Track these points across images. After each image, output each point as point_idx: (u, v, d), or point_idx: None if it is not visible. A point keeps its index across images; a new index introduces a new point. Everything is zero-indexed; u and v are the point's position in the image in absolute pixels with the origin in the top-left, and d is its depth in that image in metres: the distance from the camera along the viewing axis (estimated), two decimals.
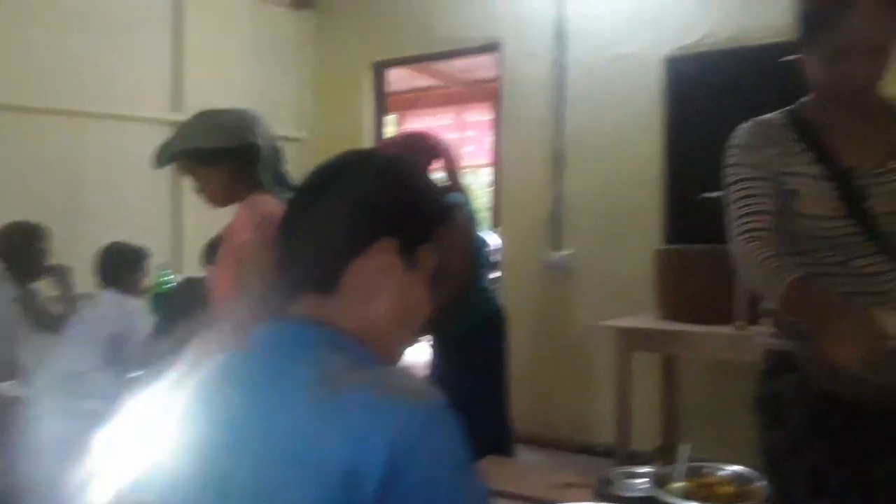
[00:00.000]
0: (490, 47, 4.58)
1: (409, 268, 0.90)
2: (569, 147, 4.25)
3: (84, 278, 3.24)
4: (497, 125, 4.73)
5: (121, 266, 3.14)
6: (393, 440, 0.71)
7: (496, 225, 4.90)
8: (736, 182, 1.53)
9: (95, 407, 2.77)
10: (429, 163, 2.61)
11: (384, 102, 5.21)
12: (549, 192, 4.30)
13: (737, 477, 1.36)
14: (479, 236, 2.81)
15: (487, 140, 7.61)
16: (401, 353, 0.95)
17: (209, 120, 1.97)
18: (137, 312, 3.06)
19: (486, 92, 6.57)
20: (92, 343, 2.93)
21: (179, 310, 2.37)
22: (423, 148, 2.62)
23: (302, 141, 5.07)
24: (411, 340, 0.96)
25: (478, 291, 2.67)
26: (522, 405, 3.70)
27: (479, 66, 6.24)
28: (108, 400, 2.72)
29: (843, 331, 1.24)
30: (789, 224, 1.49)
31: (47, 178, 3.86)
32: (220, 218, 2.04)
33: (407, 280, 0.90)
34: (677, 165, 3.94)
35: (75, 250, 3.38)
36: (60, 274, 3.31)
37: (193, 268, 3.65)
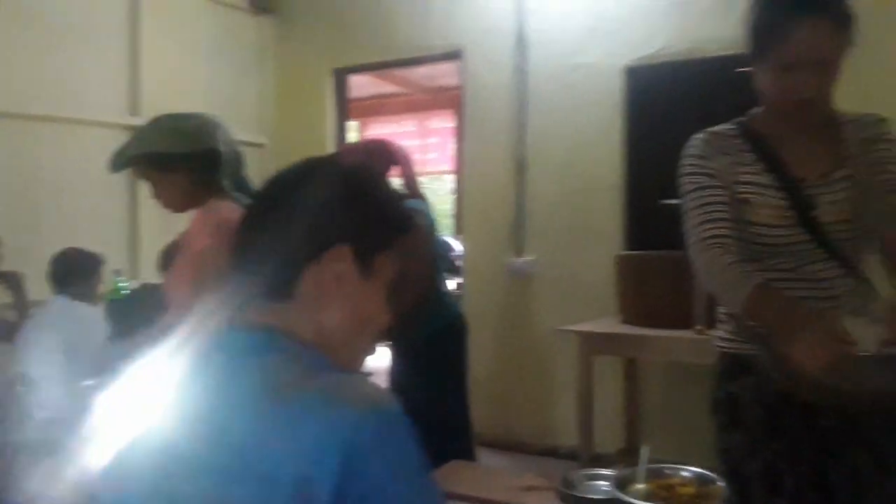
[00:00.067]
0: (452, 55, 4.60)
1: (364, 275, 0.89)
2: (531, 154, 4.29)
3: (38, 285, 3.16)
4: (460, 132, 4.74)
5: (75, 272, 3.08)
6: (345, 448, 0.70)
7: (459, 231, 4.92)
8: (694, 190, 1.55)
9: (49, 415, 2.71)
10: (387, 169, 2.61)
11: (346, 109, 5.19)
12: (512, 198, 4.33)
13: (697, 478, 1.38)
14: (441, 242, 2.82)
15: (450, 147, 7.64)
16: (359, 361, 0.94)
17: (167, 124, 1.94)
18: (92, 319, 2.99)
19: (449, 99, 6.60)
20: (45, 350, 2.86)
21: (134, 316, 2.32)
22: (382, 155, 2.62)
23: (263, 146, 5.03)
24: (369, 348, 0.95)
25: (438, 297, 2.67)
26: (485, 409, 3.71)
27: (442, 74, 6.26)
28: (62, 408, 2.67)
29: (808, 338, 1.26)
30: (741, 232, 1.52)
31: (0, 183, 3.76)
32: (177, 224, 2.01)
33: (362, 287, 0.89)
34: (637, 172, 4.00)
35: (29, 256, 3.30)
36: (13, 280, 3.23)
37: (150, 274, 3.59)
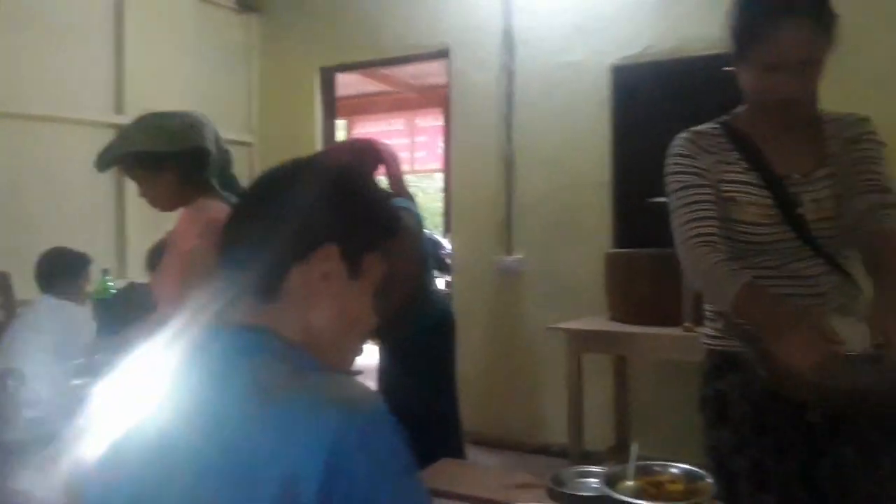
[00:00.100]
0: (439, 54, 4.59)
1: (352, 275, 0.89)
2: (518, 153, 4.30)
3: (25, 285, 3.14)
4: (448, 131, 4.74)
5: (62, 272, 3.06)
6: (331, 448, 0.70)
7: (449, 229, 4.92)
8: (680, 189, 1.56)
9: (37, 415, 2.69)
10: (374, 169, 2.60)
11: (333, 107, 5.18)
12: (500, 196, 4.33)
13: (686, 475, 1.38)
14: (431, 240, 2.81)
15: (439, 145, 7.63)
16: (347, 361, 0.94)
17: (154, 123, 1.92)
18: (79, 318, 2.98)
19: (438, 97, 6.59)
20: (32, 350, 2.85)
21: (121, 316, 2.31)
22: (368, 154, 2.61)
23: (249, 145, 5.01)
24: (357, 348, 0.95)
25: (426, 296, 2.67)
26: (476, 408, 3.71)
27: (430, 72, 6.25)
28: (50, 407, 2.65)
29: (795, 337, 1.27)
30: (728, 230, 1.53)
31: None
32: (165, 222, 2.00)
33: (350, 288, 0.89)
34: (625, 170, 4.01)
35: (15, 256, 3.27)
36: (0, 280, 3.20)
37: (137, 273, 3.57)
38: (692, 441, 1.66)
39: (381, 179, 2.62)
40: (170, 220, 2.01)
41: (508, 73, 4.30)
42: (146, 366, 0.88)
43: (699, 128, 1.62)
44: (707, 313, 1.66)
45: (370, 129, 8.35)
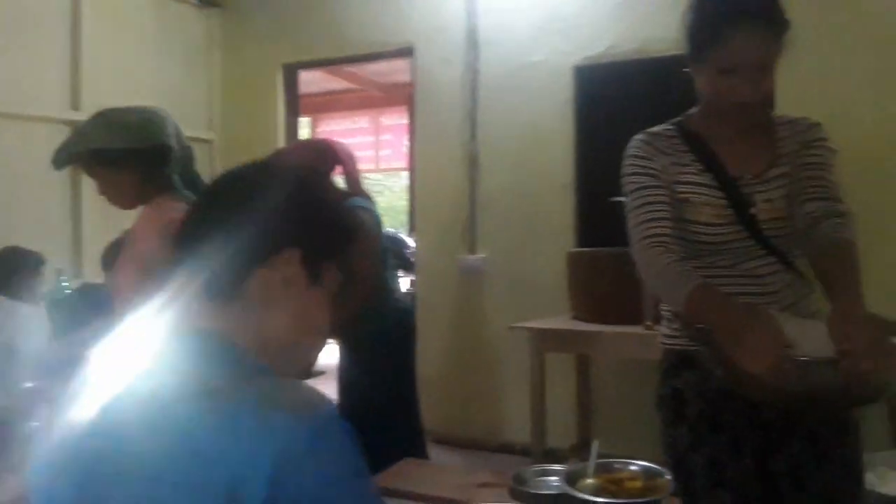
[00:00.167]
0: (404, 52, 4.58)
1: (312, 281, 0.89)
2: (482, 151, 4.31)
3: None
4: (412, 129, 4.73)
5: (15, 271, 3.00)
6: (278, 453, 0.69)
7: (414, 228, 4.91)
8: (636, 190, 1.58)
9: None
10: (332, 169, 2.59)
11: (296, 104, 5.13)
12: (464, 195, 4.34)
13: (644, 472, 1.40)
14: (396, 238, 2.81)
15: (404, 143, 7.61)
16: (299, 367, 0.93)
17: (113, 119, 1.88)
18: (32, 319, 2.91)
19: (403, 95, 6.58)
20: None
21: (76, 317, 2.26)
22: (326, 154, 2.60)
23: (210, 142, 4.94)
24: (312, 354, 0.94)
25: (386, 295, 2.67)
26: (438, 407, 3.72)
27: (395, 70, 6.23)
28: (1, 410, 2.58)
29: (750, 340, 1.28)
30: (682, 231, 1.56)
31: None
32: (121, 222, 1.96)
33: (309, 294, 0.89)
34: (588, 169, 4.04)
35: None
36: None
37: (93, 273, 3.49)
38: (654, 438, 1.68)
39: (339, 179, 2.61)
40: (127, 219, 1.97)
41: (473, 72, 4.31)
42: (98, 367, 0.86)
43: (654, 129, 1.63)
44: (664, 313, 1.68)
45: (335, 126, 8.30)
